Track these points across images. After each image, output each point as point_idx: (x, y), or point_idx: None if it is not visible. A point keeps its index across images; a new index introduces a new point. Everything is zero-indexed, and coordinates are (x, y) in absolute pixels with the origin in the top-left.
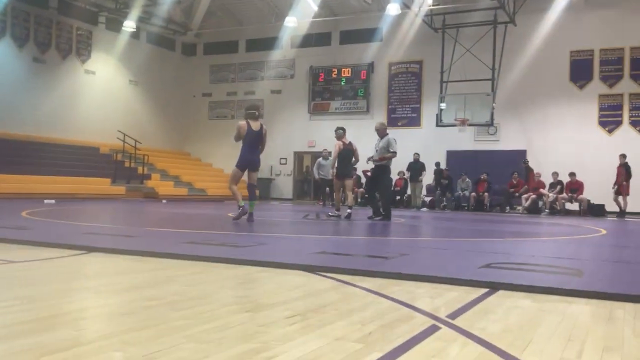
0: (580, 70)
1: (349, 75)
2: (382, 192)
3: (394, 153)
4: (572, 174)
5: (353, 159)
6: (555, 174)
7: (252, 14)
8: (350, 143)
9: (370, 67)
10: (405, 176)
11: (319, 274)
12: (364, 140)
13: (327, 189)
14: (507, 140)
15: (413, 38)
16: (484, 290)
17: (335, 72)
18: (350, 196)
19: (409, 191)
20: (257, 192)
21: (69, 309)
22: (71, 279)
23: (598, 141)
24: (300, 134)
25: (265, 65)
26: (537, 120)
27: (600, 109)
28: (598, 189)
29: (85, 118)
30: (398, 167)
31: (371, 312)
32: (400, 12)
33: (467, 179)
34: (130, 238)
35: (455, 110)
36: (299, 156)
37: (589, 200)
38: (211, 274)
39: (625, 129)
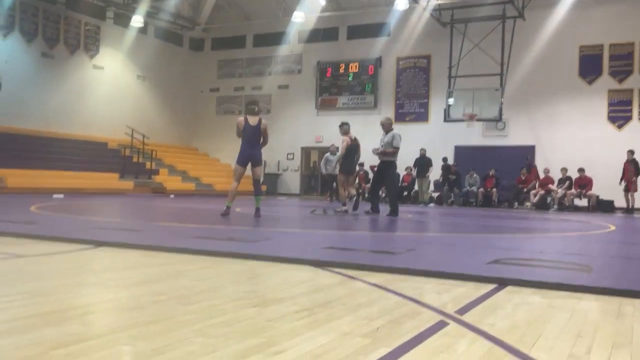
0: (589, 66)
1: (357, 70)
2: (389, 188)
3: (397, 149)
4: (580, 170)
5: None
6: (564, 170)
7: (260, 9)
8: (355, 139)
9: (378, 62)
10: (412, 172)
11: (326, 269)
12: (372, 135)
13: (334, 184)
14: (515, 135)
15: (421, 33)
16: (492, 286)
17: (343, 67)
18: (352, 191)
19: (416, 187)
20: (265, 187)
21: (77, 303)
22: (79, 273)
23: (607, 137)
24: (308, 129)
25: (273, 60)
26: (546, 116)
27: (610, 105)
28: (607, 184)
29: (93, 113)
30: (405, 162)
31: (378, 308)
32: (408, 6)
33: (475, 175)
34: (139, 232)
35: (464, 105)
36: (306, 152)
37: (597, 196)
38: (219, 268)
39: (635, 125)
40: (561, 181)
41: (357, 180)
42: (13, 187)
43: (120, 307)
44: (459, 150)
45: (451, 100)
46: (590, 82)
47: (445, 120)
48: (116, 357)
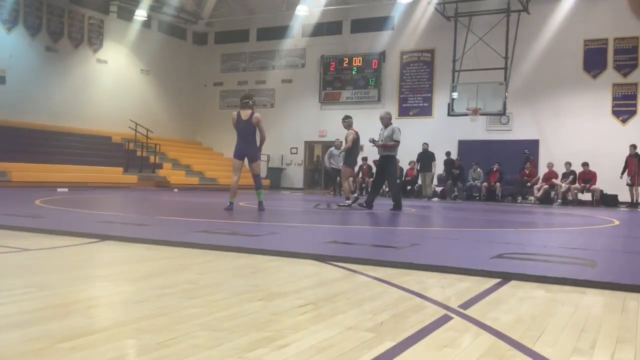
0: (593, 60)
1: (360, 64)
2: (391, 183)
3: (397, 142)
4: (584, 164)
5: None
6: (568, 164)
7: (263, 2)
8: (356, 132)
9: (382, 56)
10: (415, 166)
11: (330, 264)
12: (375, 129)
13: (338, 178)
14: (519, 130)
15: (425, 26)
16: (496, 281)
17: (347, 61)
18: (351, 184)
19: (419, 181)
20: (268, 182)
21: (82, 296)
22: (84, 267)
23: (611, 131)
24: (311, 123)
25: (276, 54)
26: (550, 110)
27: (614, 99)
28: (611, 179)
29: (97, 107)
30: (409, 157)
31: (383, 302)
32: (412, 0)
33: (479, 169)
34: (143, 227)
35: (468, 99)
36: (309, 146)
37: (601, 191)
38: (223, 262)
39: (639, 119)
40: (565, 175)
41: (360, 175)
42: (18, 181)
43: (125, 300)
44: (463, 145)
45: (455, 95)
46: (594, 76)
47: (449, 115)
48: (121, 350)
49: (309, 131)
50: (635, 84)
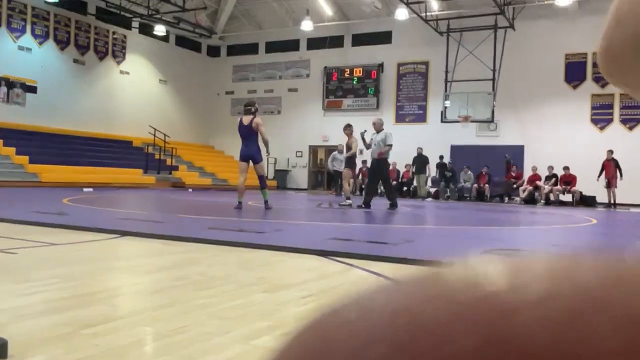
0: (574, 72)
1: (361, 74)
2: (385, 183)
3: (390, 146)
4: (566, 168)
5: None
6: (550, 168)
7: (271, 18)
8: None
9: (380, 67)
10: (411, 169)
11: (331, 258)
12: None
13: (340, 180)
14: (506, 135)
15: (420, 41)
16: None
17: (348, 72)
18: (351, 185)
19: (415, 183)
20: (275, 183)
21: (104, 287)
22: (106, 260)
23: (590, 137)
24: (315, 129)
25: (283, 65)
26: (534, 118)
27: (593, 108)
28: (590, 181)
29: (120, 114)
30: (405, 160)
31: None
32: (408, 16)
33: (469, 172)
34: (160, 223)
35: (459, 107)
36: (313, 149)
37: (581, 192)
38: (232, 257)
39: (616, 127)
40: (548, 178)
41: (360, 176)
42: (47, 182)
43: (142, 291)
44: (455, 149)
45: (447, 103)
46: (574, 87)
47: (442, 121)
48: (138, 336)
49: (313, 136)
50: (612, 95)
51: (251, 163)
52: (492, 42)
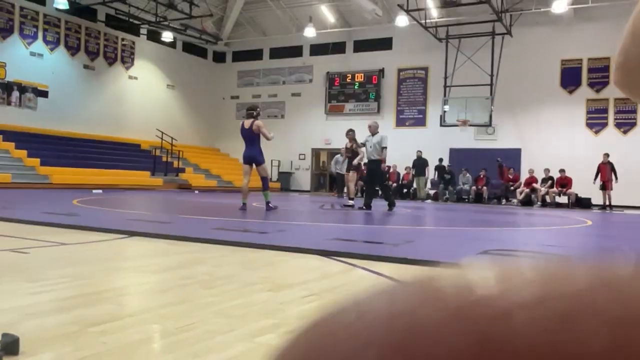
0: (570, 77)
1: (362, 80)
2: (382, 185)
3: (385, 148)
4: (562, 170)
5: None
6: (546, 170)
7: (275, 25)
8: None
9: (381, 72)
10: (411, 171)
11: (333, 258)
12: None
13: (342, 182)
14: (503, 139)
15: (420, 47)
16: None
17: (350, 77)
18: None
19: (414, 185)
20: (279, 185)
21: (112, 285)
22: (114, 259)
23: (585, 141)
24: (318, 132)
25: (287, 70)
26: (531, 122)
27: (588, 112)
28: (585, 184)
29: (128, 118)
30: (405, 162)
31: None
32: (408, 23)
33: (468, 174)
34: (166, 224)
35: (457, 111)
36: (316, 152)
37: (576, 194)
38: (236, 256)
39: (610, 131)
40: (544, 180)
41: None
42: (58, 183)
43: (149, 290)
44: (454, 152)
45: (446, 107)
46: (570, 92)
47: (441, 125)
48: (146, 334)
49: (316, 139)
50: (607, 99)
51: (254, 165)
52: (489, 48)
